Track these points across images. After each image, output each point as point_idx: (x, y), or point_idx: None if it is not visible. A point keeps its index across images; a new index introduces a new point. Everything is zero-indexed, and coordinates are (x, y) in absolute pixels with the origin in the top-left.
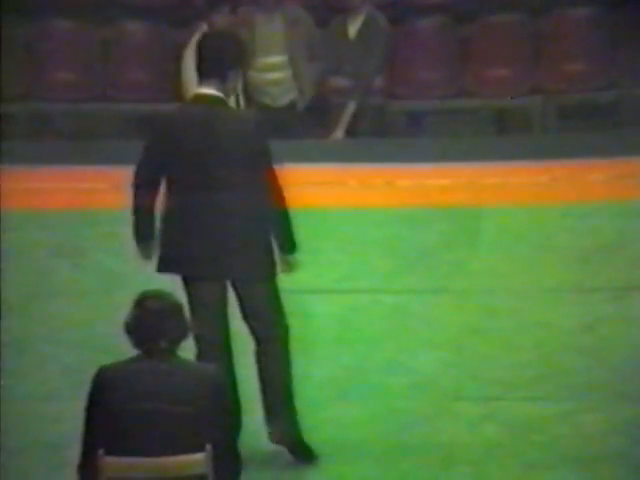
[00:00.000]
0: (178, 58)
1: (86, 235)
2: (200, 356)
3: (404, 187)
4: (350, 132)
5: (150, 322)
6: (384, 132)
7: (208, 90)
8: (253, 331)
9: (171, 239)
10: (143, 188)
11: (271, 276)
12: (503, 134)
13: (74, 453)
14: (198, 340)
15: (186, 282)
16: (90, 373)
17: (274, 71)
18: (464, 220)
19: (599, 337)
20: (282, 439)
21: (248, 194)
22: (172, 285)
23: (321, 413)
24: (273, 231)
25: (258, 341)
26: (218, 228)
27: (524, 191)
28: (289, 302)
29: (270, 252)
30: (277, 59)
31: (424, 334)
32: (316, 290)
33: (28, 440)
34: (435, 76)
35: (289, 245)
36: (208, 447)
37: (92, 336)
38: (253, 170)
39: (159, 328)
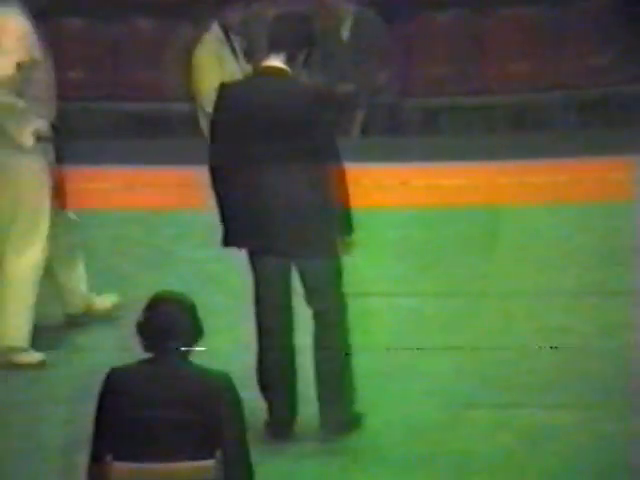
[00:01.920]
0: (188, 56)
1: (95, 236)
2: (260, 333)
3: (419, 187)
4: (364, 131)
5: (162, 324)
6: (398, 130)
7: (276, 63)
8: (311, 306)
9: (236, 212)
10: (221, 168)
11: (332, 252)
12: (520, 131)
13: (85, 457)
14: (260, 317)
15: (252, 258)
16: (100, 375)
17: None
18: (481, 221)
19: (619, 342)
20: (334, 423)
21: (310, 168)
22: (184, 286)
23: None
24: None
25: (315, 316)
26: (281, 202)
27: (543, 190)
28: (300, 306)
29: (331, 228)
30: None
31: (439, 338)
32: None
33: (38, 443)
34: (450, 72)
35: (344, 225)
36: (218, 454)
37: (102, 338)
38: (315, 144)
39: (172, 331)
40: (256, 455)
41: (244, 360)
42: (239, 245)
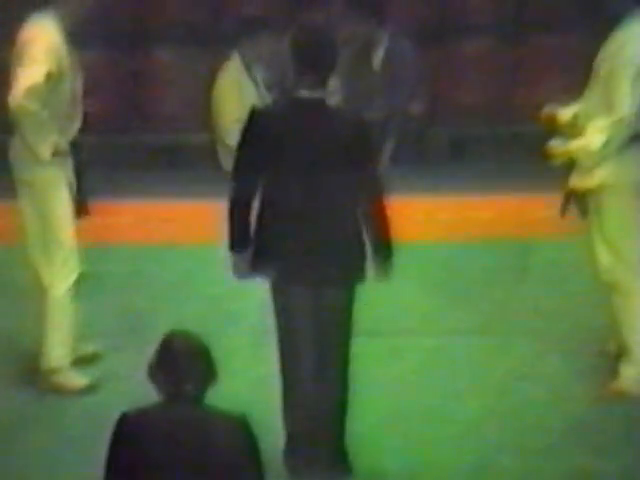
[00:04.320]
0: (209, 86)
1: (109, 272)
2: (283, 370)
3: (445, 220)
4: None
5: (176, 365)
6: (425, 160)
7: (309, 92)
8: (319, 335)
9: (265, 239)
10: (241, 190)
11: (357, 281)
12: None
13: None
14: (282, 352)
15: (274, 287)
16: (112, 418)
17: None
18: (511, 255)
19: None
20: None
21: (345, 195)
22: (200, 324)
23: (355, 463)
24: (368, 235)
25: (319, 345)
26: (313, 229)
27: (576, 224)
28: None
29: (362, 257)
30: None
31: (466, 379)
32: None
33: None
34: (481, 100)
35: (383, 252)
36: None
37: (114, 378)
38: (352, 171)
39: (186, 372)
40: None
41: (261, 401)
42: (265, 273)
